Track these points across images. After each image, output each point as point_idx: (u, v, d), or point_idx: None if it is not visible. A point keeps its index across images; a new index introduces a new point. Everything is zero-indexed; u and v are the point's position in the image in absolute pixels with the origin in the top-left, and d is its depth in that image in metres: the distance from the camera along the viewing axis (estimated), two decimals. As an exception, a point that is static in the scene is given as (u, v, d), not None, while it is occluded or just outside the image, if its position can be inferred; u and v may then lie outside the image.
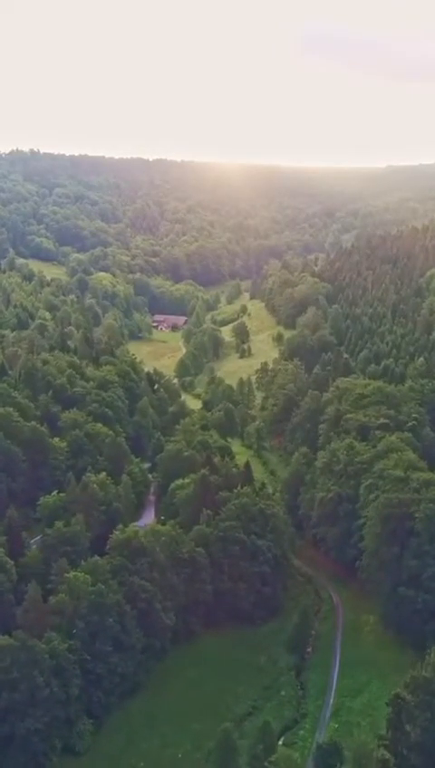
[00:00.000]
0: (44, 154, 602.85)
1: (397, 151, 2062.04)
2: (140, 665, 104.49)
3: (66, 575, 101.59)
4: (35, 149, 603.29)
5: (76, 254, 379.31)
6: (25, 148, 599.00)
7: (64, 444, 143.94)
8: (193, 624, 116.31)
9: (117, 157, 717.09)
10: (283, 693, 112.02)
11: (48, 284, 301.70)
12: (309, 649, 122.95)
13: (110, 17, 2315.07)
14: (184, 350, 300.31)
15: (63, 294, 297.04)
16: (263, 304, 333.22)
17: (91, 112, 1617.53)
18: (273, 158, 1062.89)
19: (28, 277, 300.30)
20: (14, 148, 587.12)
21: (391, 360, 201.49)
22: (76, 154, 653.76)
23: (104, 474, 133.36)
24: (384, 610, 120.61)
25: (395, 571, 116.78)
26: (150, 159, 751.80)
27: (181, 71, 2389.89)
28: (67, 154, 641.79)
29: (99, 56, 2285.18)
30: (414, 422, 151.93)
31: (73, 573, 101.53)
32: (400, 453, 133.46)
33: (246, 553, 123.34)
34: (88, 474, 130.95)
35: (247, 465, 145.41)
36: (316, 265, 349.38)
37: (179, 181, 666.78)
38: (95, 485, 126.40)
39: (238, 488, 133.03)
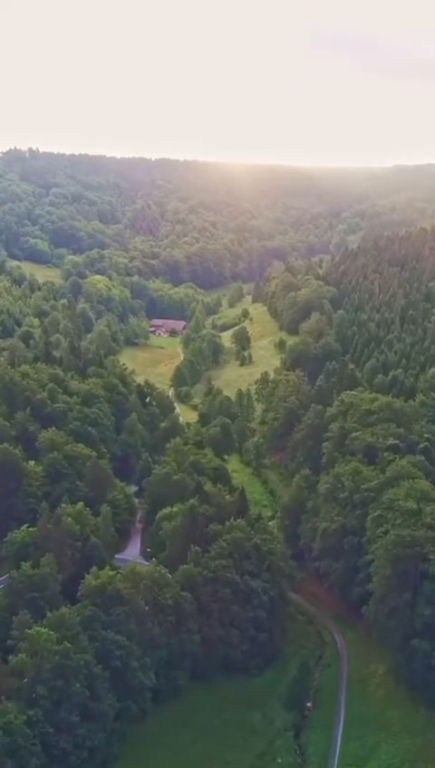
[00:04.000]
0: (43, 153, 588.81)
1: (404, 150, 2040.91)
2: (114, 733, 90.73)
3: (28, 631, 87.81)
4: (34, 148, 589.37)
5: (71, 257, 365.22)
6: (24, 147, 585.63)
7: (41, 468, 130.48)
8: (177, 679, 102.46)
9: (118, 156, 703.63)
10: (279, 760, 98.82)
11: (39, 288, 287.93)
12: (309, 704, 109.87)
13: (113, 12, 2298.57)
14: (182, 357, 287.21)
15: (55, 299, 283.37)
16: (265, 308, 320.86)
17: (94, 111, 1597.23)
18: (278, 158, 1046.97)
19: (18, 281, 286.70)
20: (12, 147, 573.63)
21: (399, 370, 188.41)
22: (76, 153, 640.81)
23: (82, 504, 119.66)
24: (395, 662, 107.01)
25: (407, 620, 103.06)
26: (153, 159, 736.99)
27: (185, 69, 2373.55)
28: (67, 153, 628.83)
29: (102, 53, 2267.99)
30: (427, 443, 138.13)
31: (36, 629, 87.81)
32: (411, 481, 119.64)
33: (238, 596, 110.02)
34: (63, 504, 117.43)
35: (242, 493, 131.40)
36: (321, 268, 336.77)
37: (182, 181, 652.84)
38: (70, 518, 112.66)
39: (231, 520, 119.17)
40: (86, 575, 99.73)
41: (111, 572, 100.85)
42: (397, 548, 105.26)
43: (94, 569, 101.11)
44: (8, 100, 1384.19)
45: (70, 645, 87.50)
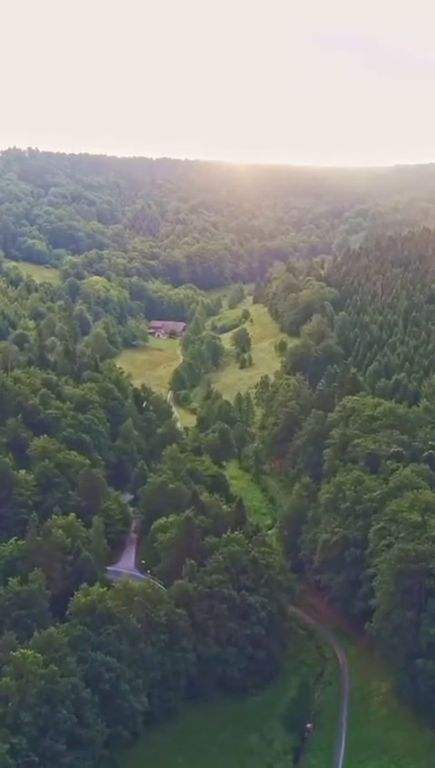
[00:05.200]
0: (43, 153, 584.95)
1: (406, 150, 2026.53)
2: (103, 760, 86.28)
3: (13, 654, 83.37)
4: (33, 148, 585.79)
5: (69, 257, 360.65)
6: (23, 147, 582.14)
7: (32, 477, 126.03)
8: (171, 700, 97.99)
9: (119, 155, 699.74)
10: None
11: (36, 290, 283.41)
12: (309, 725, 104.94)
13: (113, 11, 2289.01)
14: (181, 359, 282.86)
15: (52, 300, 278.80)
16: (266, 309, 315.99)
17: (94, 111, 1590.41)
18: (279, 158, 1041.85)
19: (15, 282, 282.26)
20: (11, 147, 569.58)
21: (403, 374, 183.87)
22: (76, 153, 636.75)
23: (73, 515, 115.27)
24: (398, 682, 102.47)
25: (411, 639, 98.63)
26: (153, 158, 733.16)
27: (186, 69, 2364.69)
28: (67, 153, 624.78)
29: (103, 53, 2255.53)
30: (431, 451, 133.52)
31: (21, 652, 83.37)
32: (416, 491, 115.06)
33: (235, 612, 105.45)
34: (54, 515, 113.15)
35: (240, 503, 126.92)
36: (322, 268, 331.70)
37: (182, 180, 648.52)
38: (60, 531, 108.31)
39: (228, 532, 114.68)
40: (75, 592, 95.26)
41: (102, 589, 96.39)
42: (401, 563, 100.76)
43: (84, 585, 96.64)
44: (8, 99, 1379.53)
45: (57, 668, 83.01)
